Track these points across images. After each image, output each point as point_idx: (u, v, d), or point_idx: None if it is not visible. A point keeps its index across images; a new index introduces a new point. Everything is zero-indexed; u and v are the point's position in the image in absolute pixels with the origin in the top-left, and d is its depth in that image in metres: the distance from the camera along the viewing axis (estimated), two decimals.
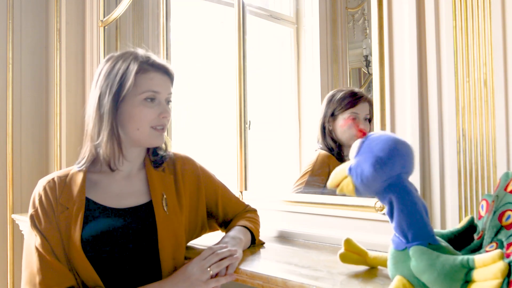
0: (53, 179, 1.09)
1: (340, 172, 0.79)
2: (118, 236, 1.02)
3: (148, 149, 1.18)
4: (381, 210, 1.16)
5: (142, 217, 1.07)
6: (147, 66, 1.08)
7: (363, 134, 0.80)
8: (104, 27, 2.22)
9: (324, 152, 1.53)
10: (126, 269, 1.02)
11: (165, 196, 1.11)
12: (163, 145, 1.19)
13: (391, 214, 0.77)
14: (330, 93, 1.55)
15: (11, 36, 2.35)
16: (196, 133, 2.14)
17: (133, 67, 1.05)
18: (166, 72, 1.11)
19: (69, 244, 1.00)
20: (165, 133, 1.13)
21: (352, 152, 0.80)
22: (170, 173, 1.17)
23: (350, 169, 0.77)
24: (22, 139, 2.39)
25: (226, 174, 1.69)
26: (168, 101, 1.12)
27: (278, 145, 1.92)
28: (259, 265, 1.05)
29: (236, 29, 1.59)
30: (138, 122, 1.06)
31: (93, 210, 1.05)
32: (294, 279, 0.93)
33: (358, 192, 0.76)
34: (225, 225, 1.26)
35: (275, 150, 1.92)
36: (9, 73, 2.35)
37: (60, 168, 2.30)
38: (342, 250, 0.97)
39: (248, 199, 1.53)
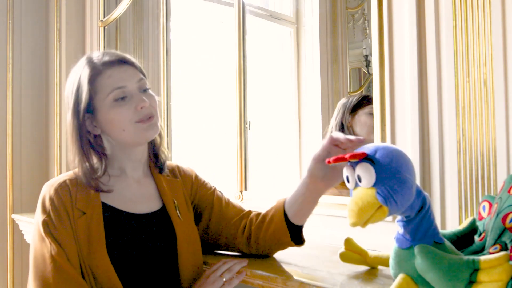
0: (64, 181, 1.00)
1: (367, 206, 0.69)
2: (140, 243, 1.00)
3: (149, 155, 1.13)
4: None
5: (160, 224, 1.04)
6: (100, 66, 1.00)
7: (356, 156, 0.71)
8: (104, 27, 2.22)
9: None
10: (145, 277, 1.00)
11: (176, 203, 1.08)
12: (163, 148, 1.13)
13: (417, 215, 0.73)
14: (343, 100, 1.52)
15: (11, 36, 2.36)
16: (196, 133, 2.14)
17: (85, 75, 0.99)
18: (122, 62, 1.02)
19: (89, 251, 0.94)
20: (156, 122, 1.03)
21: (366, 181, 0.70)
22: (175, 177, 1.14)
23: (385, 199, 0.68)
24: (22, 139, 2.39)
25: (226, 174, 1.69)
26: (142, 90, 1.02)
27: (278, 145, 1.92)
28: (259, 265, 1.05)
29: (236, 29, 1.59)
30: (119, 123, 0.99)
31: (111, 215, 1.00)
32: (294, 279, 0.93)
33: (388, 216, 0.71)
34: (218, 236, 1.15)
35: (275, 150, 1.92)
36: (9, 73, 2.35)
37: (60, 168, 2.30)
38: (342, 249, 0.97)
39: (248, 199, 1.53)
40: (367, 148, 0.74)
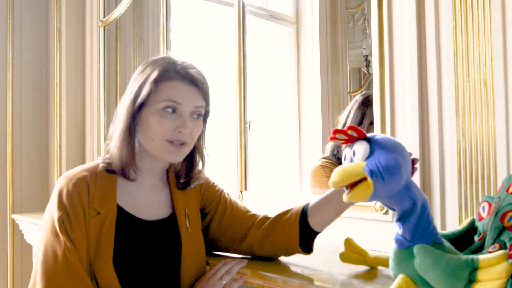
0: (84, 177, 0.98)
1: (353, 172, 0.70)
2: (144, 249, 1.00)
3: (175, 168, 1.12)
4: (381, 210, 1.15)
5: (166, 232, 1.04)
6: (173, 73, 1.00)
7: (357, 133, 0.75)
8: (104, 27, 2.22)
9: (318, 165, 1.50)
10: (145, 281, 0.99)
11: (187, 212, 1.08)
12: (201, 175, 1.12)
13: (408, 214, 0.74)
14: (363, 98, 1.44)
15: (11, 36, 2.36)
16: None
17: (155, 73, 0.99)
18: (193, 83, 1.01)
19: (96, 252, 0.93)
20: (186, 151, 1.02)
21: (360, 155, 0.73)
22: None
23: (371, 172, 0.69)
24: (22, 139, 2.39)
25: (226, 174, 1.69)
26: (195, 115, 1.02)
27: (278, 145, 1.92)
28: (259, 265, 1.05)
29: (236, 29, 1.59)
30: (152, 131, 0.98)
31: (122, 218, 0.99)
32: (294, 279, 0.93)
33: (373, 196, 0.70)
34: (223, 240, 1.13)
35: (275, 150, 1.92)
36: (9, 73, 2.35)
37: (60, 168, 2.30)
38: (342, 249, 0.97)
39: (248, 199, 1.53)
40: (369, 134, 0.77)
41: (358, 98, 1.46)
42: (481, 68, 0.96)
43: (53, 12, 2.40)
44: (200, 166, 1.13)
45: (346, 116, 1.45)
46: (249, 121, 1.60)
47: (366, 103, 1.42)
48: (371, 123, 1.34)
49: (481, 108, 0.96)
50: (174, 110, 0.99)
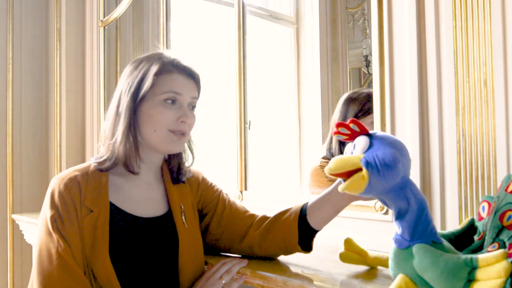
0: (75, 177, 1.00)
1: (349, 162, 0.71)
2: (142, 247, 1.00)
3: (168, 163, 1.14)
4: (381, 210, 1.15)
5: (163, 229, 1.04)
6: (171, 67, 1.04)
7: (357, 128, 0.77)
8: (104, 27, 2.22)
9: (318, 165, 1.50)
10: (144, 279, 0.99)
11: (182, 208, 1.08)
12: (187, 167, 1.14)
13: (404, 213, 0.74)
14: (347, 95, 1.46)
15: (11, 36, 2.36)
16: (196, 133, 2.13)
17: (155, 67, 1.02)
18: (190, 75, 1.07)
19: (92, 250, 0.94)
20: (185, 141, 1.06)
21: (359, 148, 0.75)
22: (183, 181, 1.14)
23: (367, 163, 0.70)
24: (22, 139, 2.39)
25: (226, 174, 1.69)
26: (191, 106, 1.07)
27: (278, 145, 1.92)
28: (259, 265, 1.05)
29: (236, 29, 1.59)
30: (155, 123, 1.01)
31: (117, 216, 1.00)
32: (294, 279, 0.93)
33: (368, 188, 0.70)
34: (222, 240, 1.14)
35: (275, 150, 1.92)
36: (9, 73, 2.35)
37: (60, 168, 2.30)
38: (342, 250, 0.97)
39: (248, 199, 1.53)
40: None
41: (344, 96, 1.48)
42: (481, 68, 0.96)
43: (53, 12, 2.40)
44: (190, 158, 1.15)
45: (334, 114, 1.47)
46: (249, 121, 1.60)
47: (349, 100, 1.44)
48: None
49: (481, 108, 0.96)
50: (173, 102, 1.03)
